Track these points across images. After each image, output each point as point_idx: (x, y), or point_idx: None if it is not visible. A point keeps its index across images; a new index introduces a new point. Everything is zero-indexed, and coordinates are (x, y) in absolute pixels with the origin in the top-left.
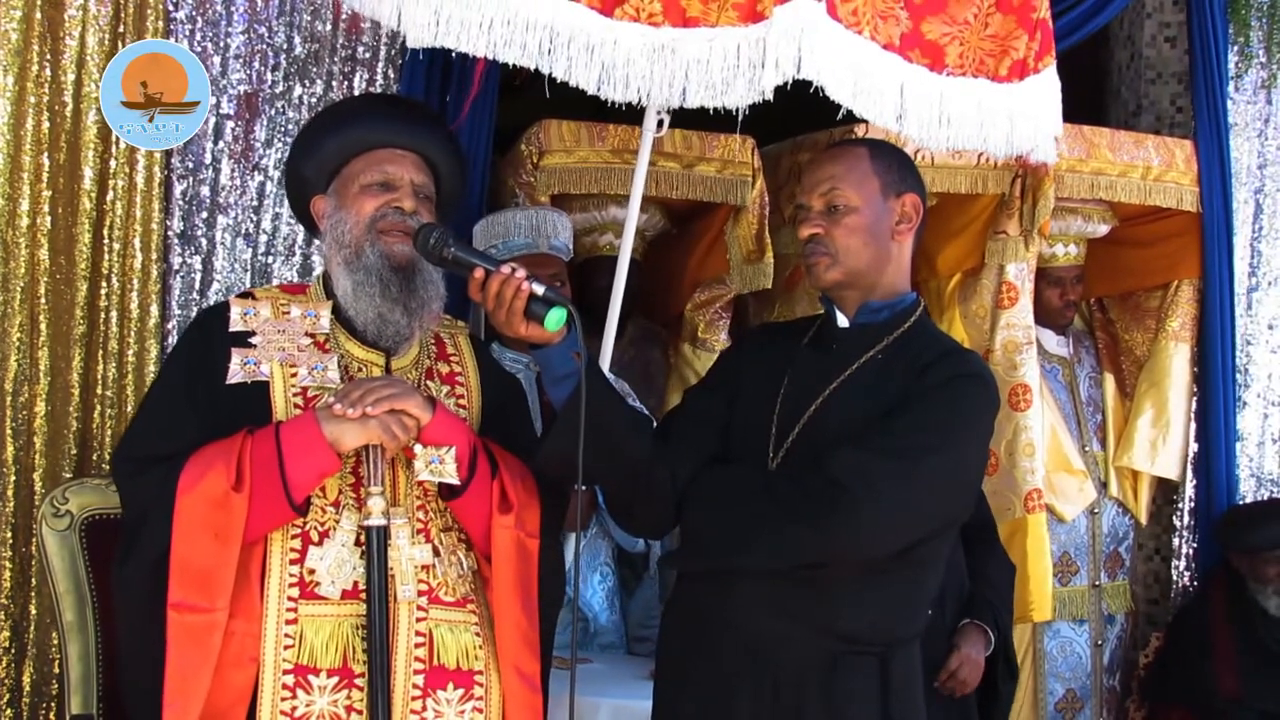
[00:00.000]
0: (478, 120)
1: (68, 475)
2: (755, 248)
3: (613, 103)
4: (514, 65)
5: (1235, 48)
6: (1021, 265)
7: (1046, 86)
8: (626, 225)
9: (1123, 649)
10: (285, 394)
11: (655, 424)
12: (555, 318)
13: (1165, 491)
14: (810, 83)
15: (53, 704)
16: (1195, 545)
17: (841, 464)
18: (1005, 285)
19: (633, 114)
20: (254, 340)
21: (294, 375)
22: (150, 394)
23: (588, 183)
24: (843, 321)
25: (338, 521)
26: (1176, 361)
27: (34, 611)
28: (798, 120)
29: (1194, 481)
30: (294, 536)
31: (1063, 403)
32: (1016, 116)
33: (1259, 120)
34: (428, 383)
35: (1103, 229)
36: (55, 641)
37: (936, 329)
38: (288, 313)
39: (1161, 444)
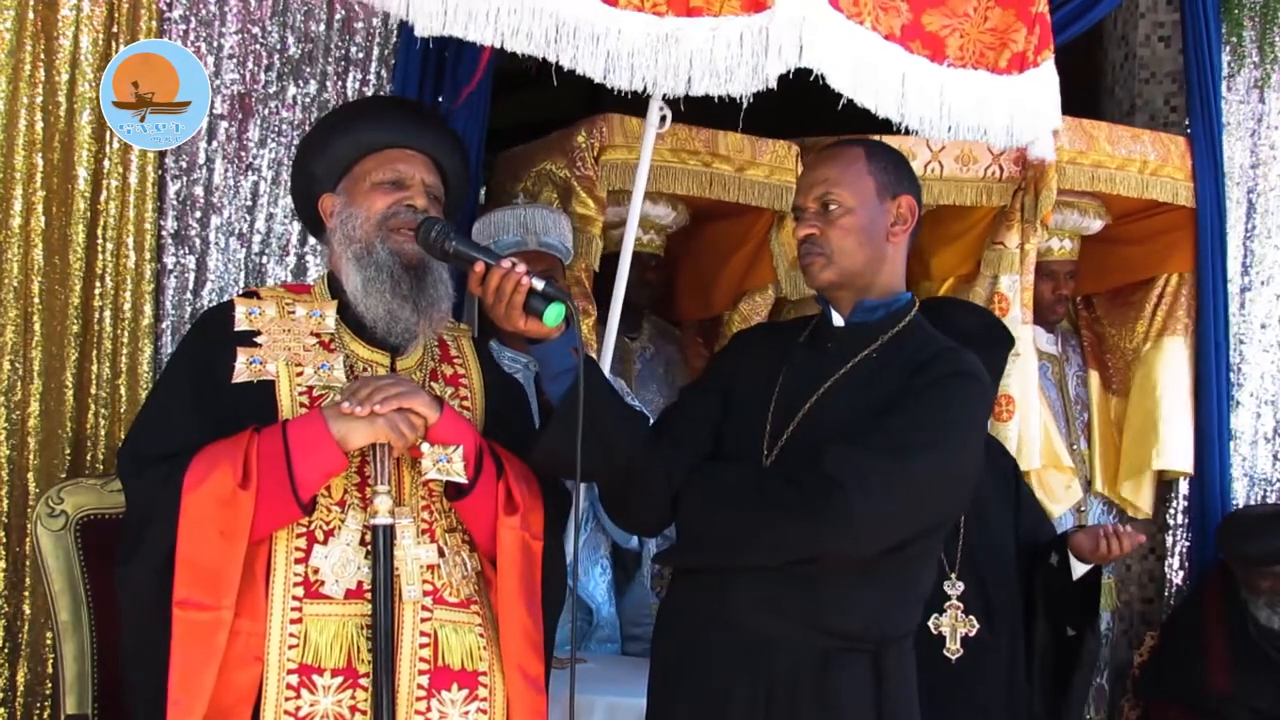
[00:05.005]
0: (471, 119)
1: (62, 475)
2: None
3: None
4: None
5: (1228, 47)
6: (1015, 277)
7: (1045, 80)
8: (629, 221)
9: (1110, 646)
10: (291, 393)
11: (651, 421)
12: (554, 313)
13: (1160, 490)
14: (808, 84)
15: (47, 704)
16: (1189, 544)
17: (834, 460)
18: (997, 295)
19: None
20: (259, 339)
21: (300, 374)
22: (155, 391)
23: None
24: (838, 320)
25: (343, 521)
26: (1173, 356)
27: (28, 611)
28: (792, 118)
29: (1188, 480)
30: (299, 536)
31: (1052, 400)
32: (1016, 108)
33: (1252, 119)
34: (432, 384)
35: (1096, 224)
36: (50, 641)
37: (931, 328)
38: (293, 312)
39: (1168, 438)
